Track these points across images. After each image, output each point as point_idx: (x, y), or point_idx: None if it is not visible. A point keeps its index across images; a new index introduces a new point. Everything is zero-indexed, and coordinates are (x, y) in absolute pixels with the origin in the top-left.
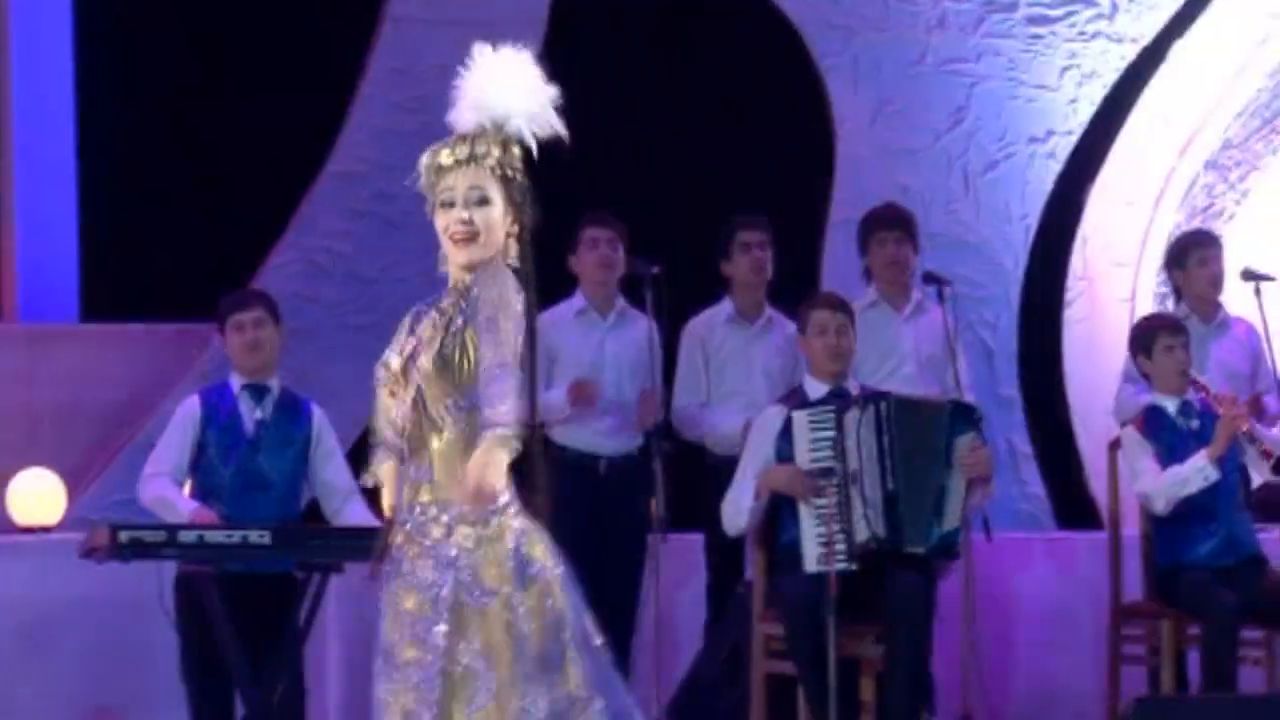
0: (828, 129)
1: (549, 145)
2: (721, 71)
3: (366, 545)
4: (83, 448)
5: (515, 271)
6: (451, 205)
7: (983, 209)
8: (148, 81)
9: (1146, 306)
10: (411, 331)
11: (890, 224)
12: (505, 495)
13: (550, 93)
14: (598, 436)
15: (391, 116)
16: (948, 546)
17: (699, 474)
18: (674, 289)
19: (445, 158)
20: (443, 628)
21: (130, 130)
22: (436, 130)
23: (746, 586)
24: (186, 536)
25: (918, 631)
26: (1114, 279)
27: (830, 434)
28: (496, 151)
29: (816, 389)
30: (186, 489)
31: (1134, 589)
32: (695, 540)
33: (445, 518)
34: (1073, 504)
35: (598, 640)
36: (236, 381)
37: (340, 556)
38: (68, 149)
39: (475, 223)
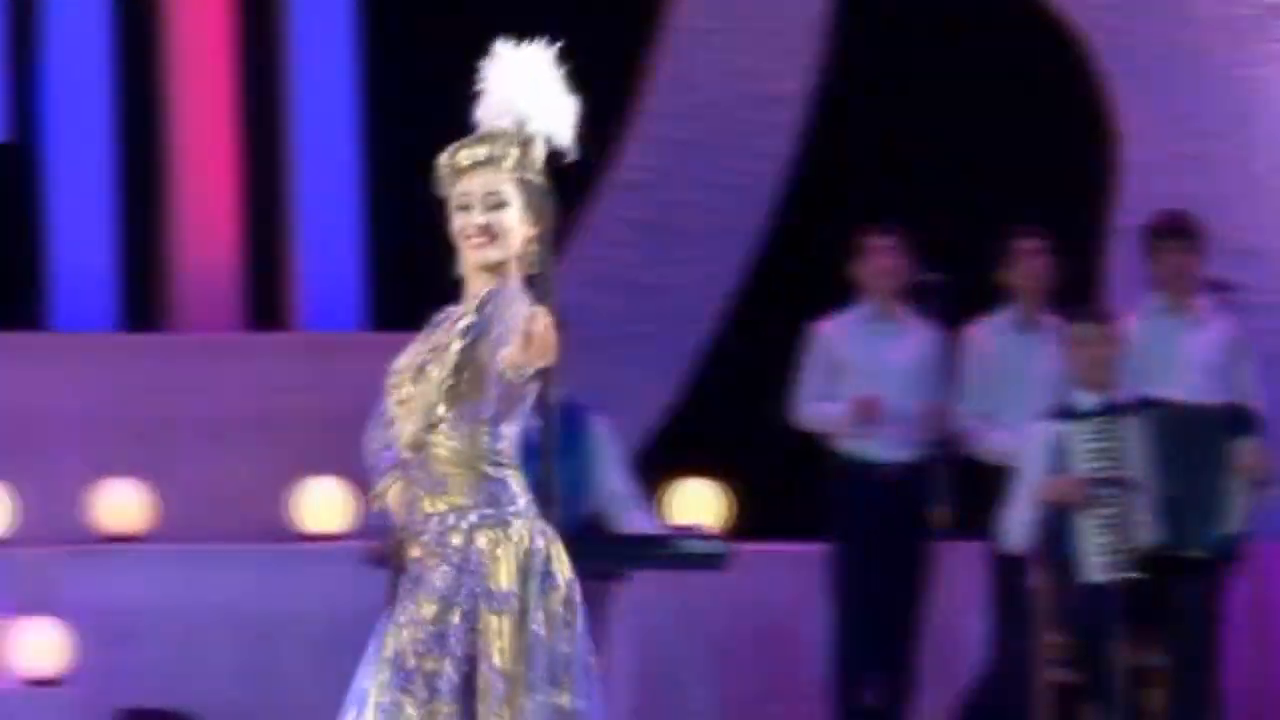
0: (1107, 136)
1: (826, 153)
2: (998, 80)
3: (654, 553)
4: None
5: (534, 277)
6: (468, 209)
7: (1267, 214)
8: (431, 89)
9: None
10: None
11: (1175, 232)
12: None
13: (570, 98)
14: (879, 445)
15: (671, 125)
16: (1229, 551)
17: (981, 482)
18: (957, 298)
19: (463, 159)
20: (463, 635)
21: (414, 138)
22: (715, 138)
23: (1030, 596)
24: None
25: (1204, 639)
26: None
27: (1105, 444)
28: (515, 153)
29: (1086, 400)
30: None
31: None
32: (978, 549)
33: (464, 524)
34: None
35: (595, 666)
36: None
37: (629, 564)
38: (353, 158)
39: (491, 227)
